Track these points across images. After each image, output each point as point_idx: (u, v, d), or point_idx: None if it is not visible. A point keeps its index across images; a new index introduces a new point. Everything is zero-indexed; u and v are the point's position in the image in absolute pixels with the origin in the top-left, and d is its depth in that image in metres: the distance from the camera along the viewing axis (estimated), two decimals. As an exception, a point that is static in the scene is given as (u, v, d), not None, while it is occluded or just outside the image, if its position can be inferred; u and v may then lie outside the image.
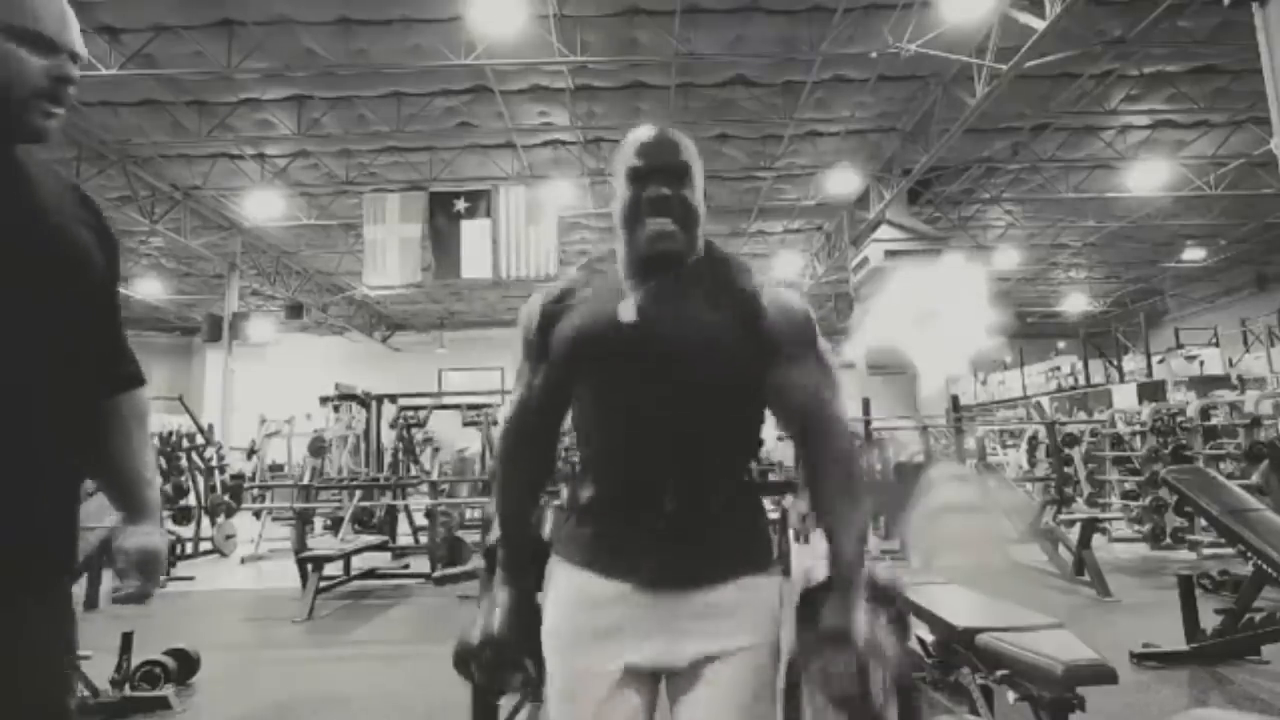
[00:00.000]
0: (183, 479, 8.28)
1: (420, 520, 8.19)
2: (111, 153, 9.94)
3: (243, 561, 7.80)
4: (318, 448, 9.22)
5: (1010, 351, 18.27)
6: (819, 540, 1.16)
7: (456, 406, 10.18)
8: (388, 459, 8.91)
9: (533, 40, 7.55)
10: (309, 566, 5.45)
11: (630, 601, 1.13)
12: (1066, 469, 7.09)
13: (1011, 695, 2.31)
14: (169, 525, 7.68)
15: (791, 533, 7.82)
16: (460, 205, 10.28)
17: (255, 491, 9.82)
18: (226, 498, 8.66)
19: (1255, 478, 5.95)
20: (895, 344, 10.30)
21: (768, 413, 1.25)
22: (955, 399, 10.26)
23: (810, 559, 1.14)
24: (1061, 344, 19.72)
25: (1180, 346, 14.94)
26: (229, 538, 8.41)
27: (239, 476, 9.91)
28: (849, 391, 1.21)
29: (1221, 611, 3.72)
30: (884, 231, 11.04)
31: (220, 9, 7.32)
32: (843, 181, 11.18)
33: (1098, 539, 6.08)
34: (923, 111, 9.37)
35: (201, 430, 9.14)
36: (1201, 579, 4.95)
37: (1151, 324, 16.71)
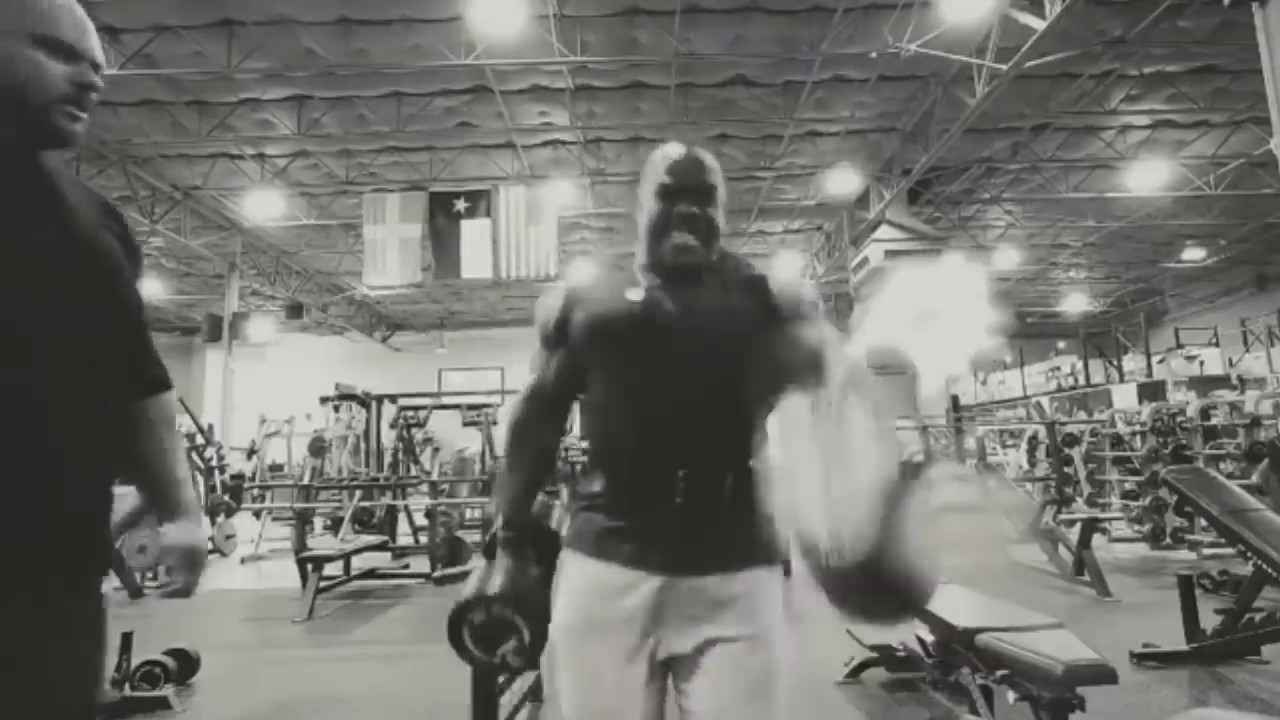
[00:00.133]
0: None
1: (420, 520, 8.18)
2: (111, 153, 9.94)
3: (243, 561, 7.80)
4: (318, 448, 9.21)
5: (1010, 351, 18.27)
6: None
7: (456, 406, 10.16)
8: (388, 459, 8.90)
9: (533, 40, 7.55)
10: (309, 566, 5.44)
11: (641, 590, 1.16)
12: (1066, 469, 7.08)
13: (1011, 695, 2.31)
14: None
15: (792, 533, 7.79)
16: (460, 205, 10.28)
17: (255, 491, 9.81)
18: (226, 498, 8.66)
19: (1255, 478, 5.95)
20: (895, 344, 10.27)
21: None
22: (955, 399, 10.28)
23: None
24: (1061, 344, 19.73)
25: (1180, 346, 14.94)
26: (229, 538, 8.41)
27: (239, 476, 9.90)
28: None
29: (1221, 611, 3.72)
30: (884, 231, 11.04)
31: (220, 9, 7.32)
32: (843, 181, 11.18)
33: (1098, 539, 6.07)
34: (923, 111, 9.37)
35: (201, 430, 9.13)
36: (1201, 579, 4.95)
37: (1151, 324, 16.72)
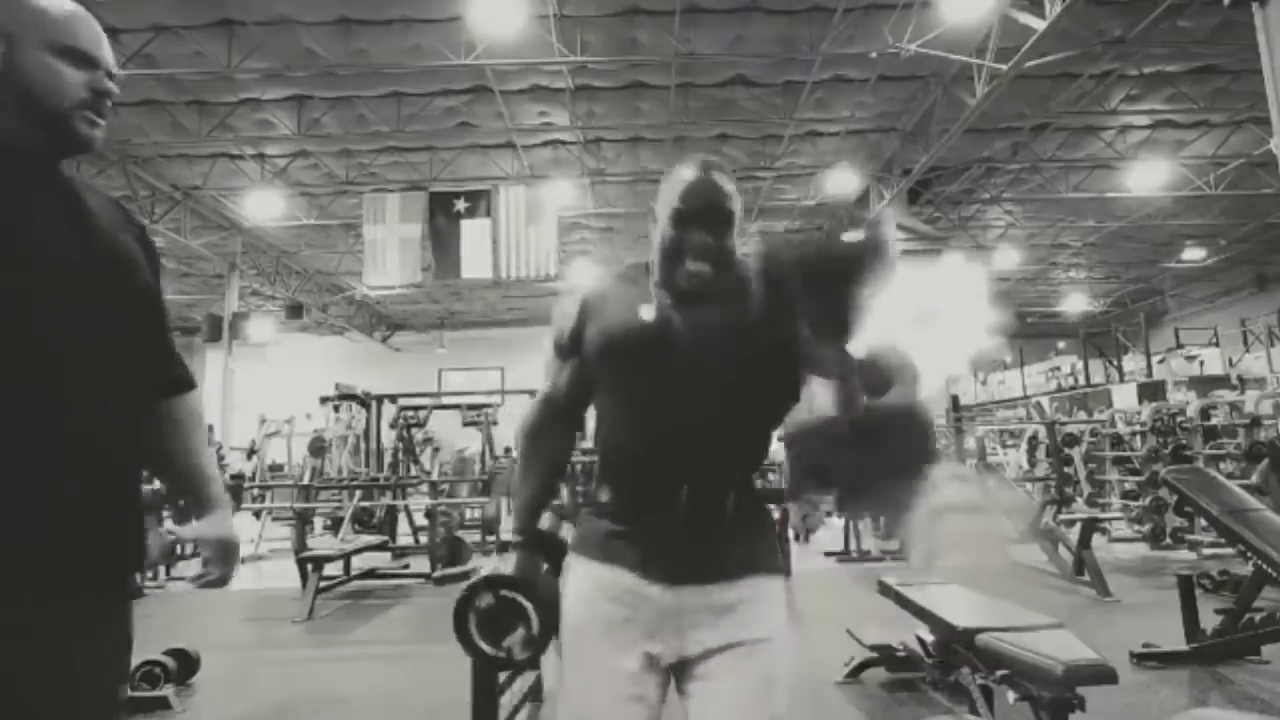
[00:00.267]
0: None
1: (420, 520, 8.18)
2: (111, 153, 9.94)
3: (243, 561, 7.80)
4: (318, 448, 9.22)
5: (1010, 351, 18.28)
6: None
7: (456, 406, 10.17)
8: (388, 459, 8.91)
9: (533, 40, 7.55)
10: (309, 566, 5.44)
11: (644, 594, 1.17)
12: (1066, 469, 7.08)
13: (1011, 695, 2.31)
14: (168, 525, 7.68)
15: (791, 533, 7.83)
16: (460, 205, 10.28)
17: (255, 491, 9.81)
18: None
19: (1255, 478, 5.95)
20: (895, 344, 10.27)
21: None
22: (955, 399, 10.27)
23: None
24: (1061, 344, 19.73)
25: (1180, 346, 14.94)
26: (229, 538, 8.39)
27: (239, 476, 9.90)
28: None
29: (1221, 611, 3.72)
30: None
31: (220, 9, 7.32)
32: (843, 181, 11.18)
33: (1098, 539, 6.08)
34: (923, 111, 9.37)
35: (201, 430, 9.10)
36: (1201, 579, 4.95)
37: (1151, 324, 16.72)
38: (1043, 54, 6.95)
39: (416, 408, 9.77)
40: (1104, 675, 2.12)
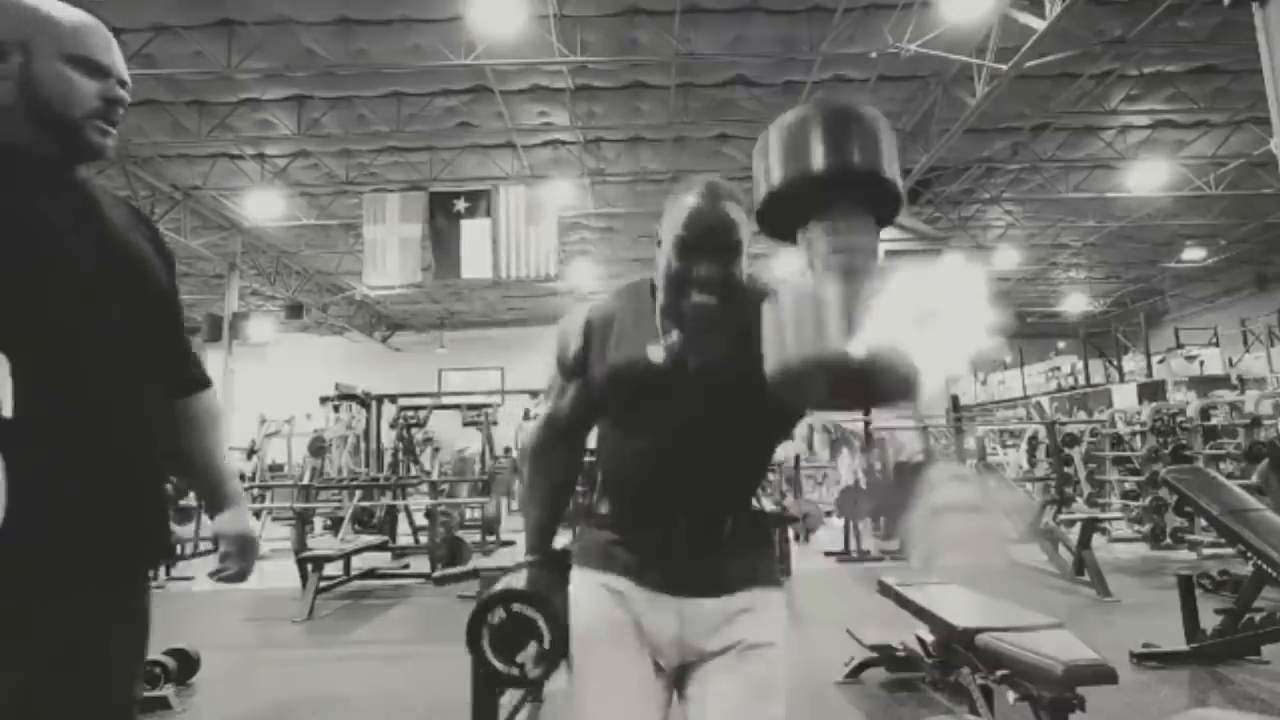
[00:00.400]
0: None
1: (420, 520, 8.18)
2: (111, 153, 9.93)
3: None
4: (318, 448, 9.22)
5: (1010, 351, 18.27)
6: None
7: (456, 406, 10.18)
8: (388, 459, 8.91)
9: (533, 40, 7.55)
10: (309, 566, 5.45)
11: (646, 602, 1.19)
12: (1066, 469, 7.08)
13: (1011, 695, 2.31)
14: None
15: (791, 533, 7.82)
16: (460, 205, 10.28)
17: (255, 491, 9.80)
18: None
19: (1255, 478, 5.95)
20: (895, 344, 10.26)
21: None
22: (955, 399, 10.27)
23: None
24: (1061, 344, 19.72)
25: (1180, 346, 14.94)
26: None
27: (239, 477, 9.89)
28: None
29: (1221, 611, 3.72)
30: (884, 231, 11.03)
31: (220, 9, 7.31)
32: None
33: (1098, 539, 6.08)
34: (923, 111, 9.36)
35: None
36: (1201, 579, 4.95)
37: (1151, 324, 16.72)
38: (1043, 54, 6.95)
39: (416, 408, 9.78)
40: (1104, 675, 2.12)
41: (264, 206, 11.61)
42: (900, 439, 9.81)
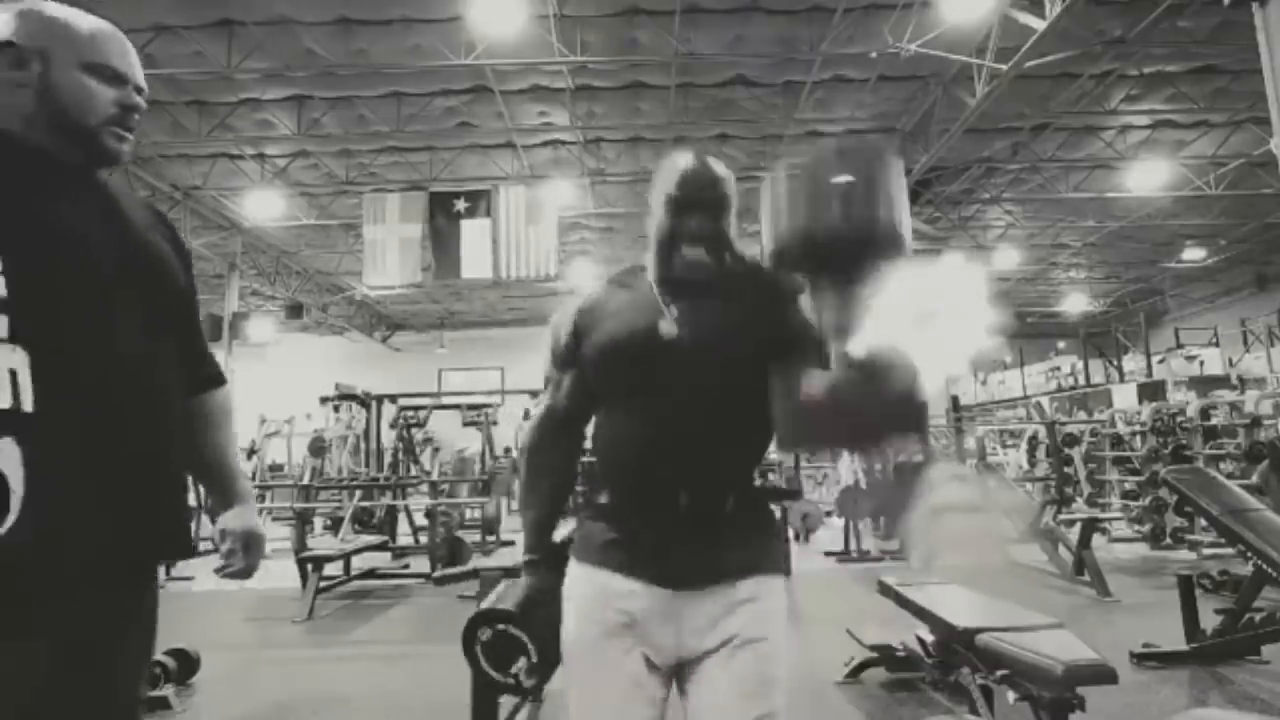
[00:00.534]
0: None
1: (420, 520, 8.18)
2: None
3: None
4: (318, 448, 9.22)
5: (1010, 351, 18.27)
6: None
7: (456, 406, 10.18)
8: (388, 459, 8.91)
9: (533, 40, 7.55)
10: (309, 566, 5.45)
11: (645, 598, 1.17)
12: (1066, 469, 7.08)
13: (1011, 695, 2.31)
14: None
15: (791, 532, 7.82)
16: (460, 205, 10.28)
17: (255, 491, 9.80)
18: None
19: (1255, 478, 5.95)
20: (895, 344, 10.27)
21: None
22: (955, 399, 10.27)
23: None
24: (1061, 344, 19.72)
25: (1180, 346, 14.95)
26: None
27: (241, 476, 9.88)
28: None
29: (1221, 611, 3.72)
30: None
31: (220, 9, 7.31)
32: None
33: (1098, 539, 6.08)
34: (923, 111, 9.37)
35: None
36: (1201, 579, 4.95)
37: (1151, 324, 16.72)
38: (1043, 54, 6.95)
39: (416, 408, 9.78)
40: (1104, 675, 2.12)
41: (264, 206, 11.62)
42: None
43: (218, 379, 1.33)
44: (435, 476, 7.58)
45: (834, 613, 4.60)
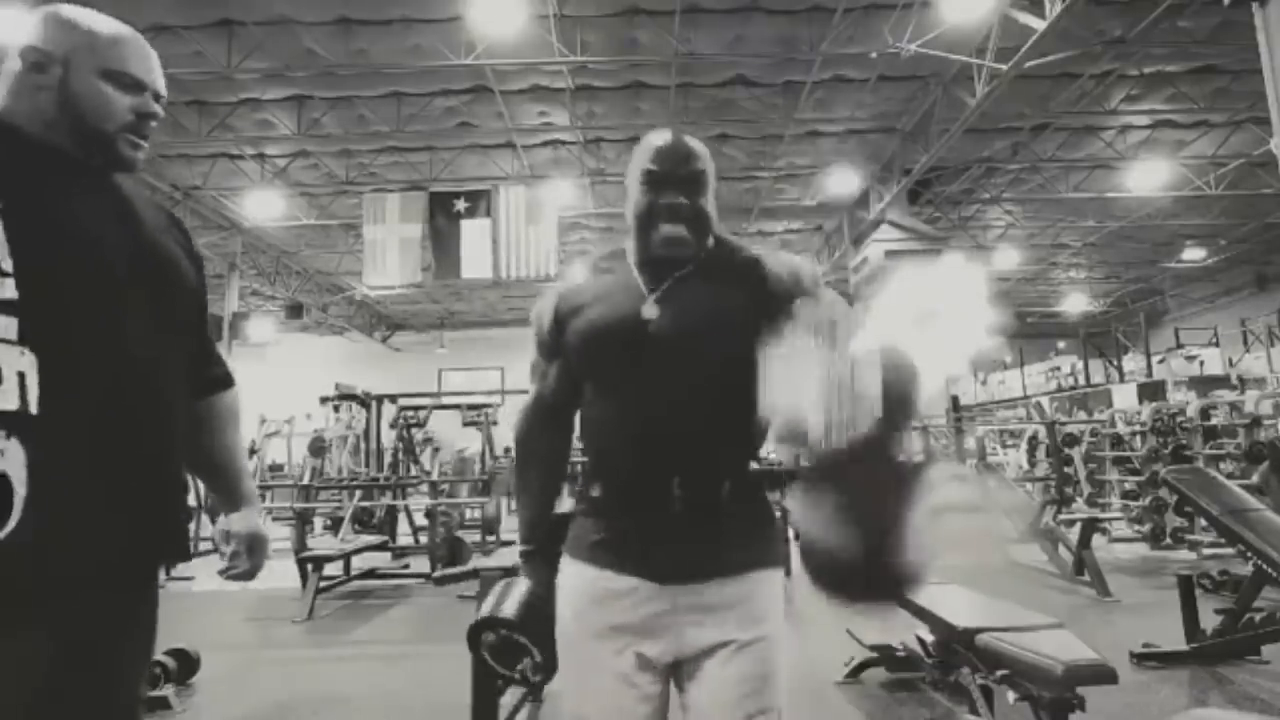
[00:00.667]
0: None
1: (420, 520, 8.18)
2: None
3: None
4: (318, 448, 9.21)
5: (1010, 351, 18.28)
6: None
7: (456, 406, 10.17)
8: (388, 459, 8.90)
9: (533, 40, 7.55)
10: (309, 566, 5.44)
11: (640, 595, 1.15)
12: (1066, 469, 7.08)
13: (1011, 695, 2.31)
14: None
15: (791, 532, 7.82)
16: (460, 205, 10.28)
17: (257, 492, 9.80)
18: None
19: (1255, 478, 5.95)
20: (895, 344, 10.28)
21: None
22: (955, 399, 10.29)
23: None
24: (1061, 344, 19.73)
25: (1180, 346, 14.95)
26: (229, 537, 8.39)
27: (242, 476, 9.87)
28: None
29: (1221, 611, 3.72)
30: (884, 231, 11.05)
31: (220, 9, 7.32)
32: (843, 181, 11.18)
33: (1098, 539, 6.08)
34: (923, 111, 9.37)
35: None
36: (1201, 579, 4.95)
37: (1151, 324, 16.72)
38: (1043, 54, 6.95)
39: (416, 408, 9.77)
40: (1104, 675, 2.12)
41: (264, 206, 11.62)
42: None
43: (226, 381, 1.34)
44: (435, 476, 7.57)
45: (834, 613, 4.59)
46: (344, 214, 12.23)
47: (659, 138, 1.24)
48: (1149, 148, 10.64)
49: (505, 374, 17.23)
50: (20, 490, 0.91)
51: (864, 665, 3.51)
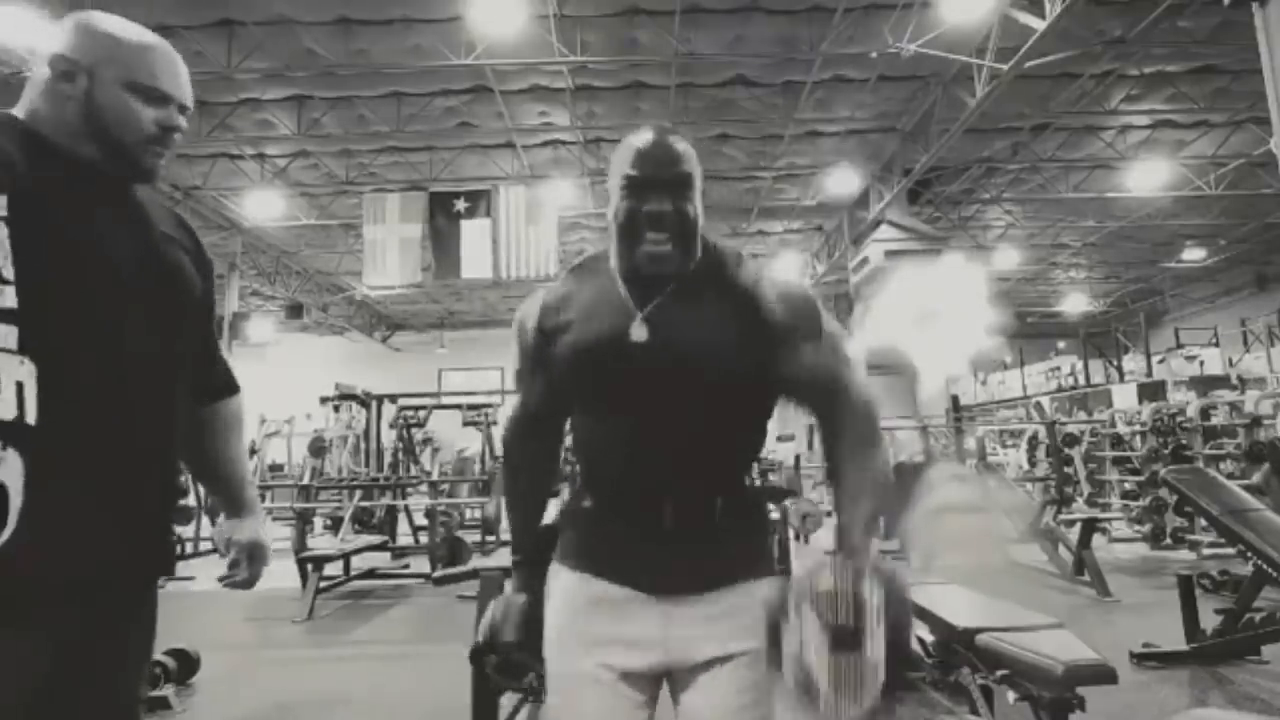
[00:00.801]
0: (182, 478, 8.27)
1: (420, 520, 8.18)
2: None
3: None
4: (318, 448, 9.21)
5: (1010, 351, 18.27)
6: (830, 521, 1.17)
7: (456, 406, 10.17)
8: (388, 459, 8.91)
9: (533, 40, 7.55)
10: (309, 566, 5.45)
11: (630, 606, 1.13)
12: (1066, 469, 7.08)
13: (1011, 695, 2.31)
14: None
15: (791, 532, 7.83)
16: (460, 205, 10.28)
17: (258, 493, 9.80)
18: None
19: (1255, 478, 5.95)
20: (895, 344, 10.31)
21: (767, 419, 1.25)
22: (955, 399, 10.29)
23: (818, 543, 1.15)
24: (1061, 344, 19.72)
25: (1180, 346, 14.94)
26: (229, 538, 8.39)
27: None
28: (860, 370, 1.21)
29: (1221, 611, 3.72)
30: (884, 231, 11.05)
31: (220, 9, 7.32)
32: (843, 181, 11.18)
33: (1098, 539, 6.08)
34: (923, 111, 9.37)
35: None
36: (1201, 579, 4.95)
37: (1151, 324, 16.71)
38: (1043, 54, 6.95)
39: (416, 408, 9.77)
40: (1104, 675, 2.12)
41: (264, 206, 11.62)
42: (900, 439, 9.81)
43: (231, 387, 1.34)
44: (435, 476, 7.58)
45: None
46: (344, 214, 12.23)
47: (640, 138, 1.16)
48: (1149, 148, 10.64)
49: (505, 374, 17.17)
50: (16, 501, 0.91)
51: (864, 665, 3.50)
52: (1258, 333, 14.91)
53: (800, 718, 1.00)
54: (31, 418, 0.93)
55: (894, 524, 7.19)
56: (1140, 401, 10.84)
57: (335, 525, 7.90)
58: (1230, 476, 5.79)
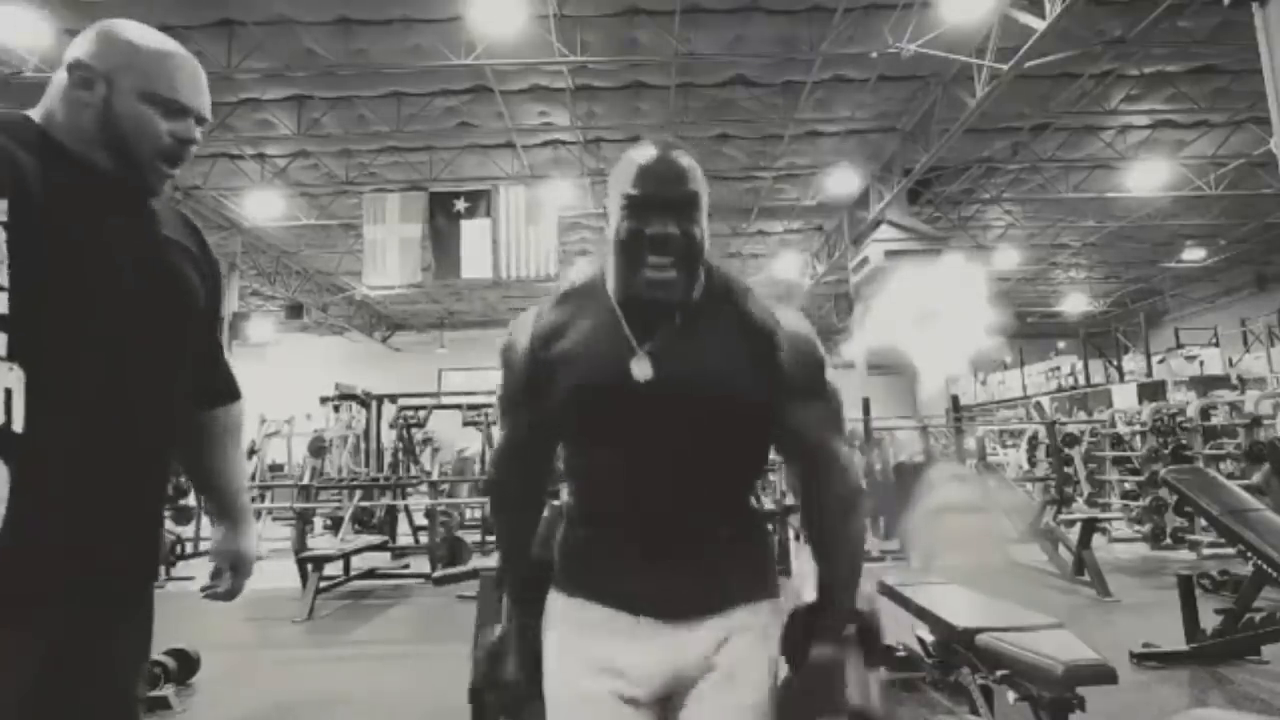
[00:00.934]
0: (182, 478, 8.27)
1: (420, 520, 8.18)
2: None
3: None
4: (318, 448, 9.22)
5: (1010, 351, 18.27)
6: (808, 564, 1.16)
7: (456, 406, 10.17)
8: (388, 459, 8.91)
9: (533, 40, 7.55)
10: (309, 566, 5.45)
11: (627, 631, 1.11)
12: (1066, 469, 7.08)
13: (1011, 695, 2.31)
14: (168, 525, 7.68)
15: (791, 533, 7.83)
16: (460, 205, 10.28)
17: (255, 491, 9.81)
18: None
19: (1256, 478, 5.95)
20: (895, 344, 10.31)
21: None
22: (955, 399, 10.28)
23: (801, 579, 1.16)
24: (1061, 344, 19.72)
25: (1180, 346, 14.94)
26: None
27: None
28: (849, 394, 1.22)
29: (1221, 611, 3.72)
30: (884, 231, 11.04)
31: (220, 9, 7.32)
32: (843, 181, 11.18)
33: (1098, 539, 6.08)
34: (923, 111, 9.36)
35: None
36: (1201, 579, 4.95)
37: (1151, 324, 16.71)
38: (1043, 54, 6.95)
39: (416, 408, 9.78)
40: (1104, 675, 2.12)
41: (264, 206, 11.62)
42: (900, 439, 9.81)
43: (231, 393, 1.33)
44: (435, 476, 7.58)
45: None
46: (344, 214, 12.22)
47: (642, 154, 1.08)
48: (1149, 148, 10.64)
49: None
50: (0, 509, 0.90)
51: (864, 665, 3.50)
52: (1258, 333, 14.91)
53: None
54: (18, 425, 0.92)
55: (894, 524, 7.20)
56: (1140, 401, 10.85)
57: (335, 525, 7.90)
58: (1230, 476, 5.79)
